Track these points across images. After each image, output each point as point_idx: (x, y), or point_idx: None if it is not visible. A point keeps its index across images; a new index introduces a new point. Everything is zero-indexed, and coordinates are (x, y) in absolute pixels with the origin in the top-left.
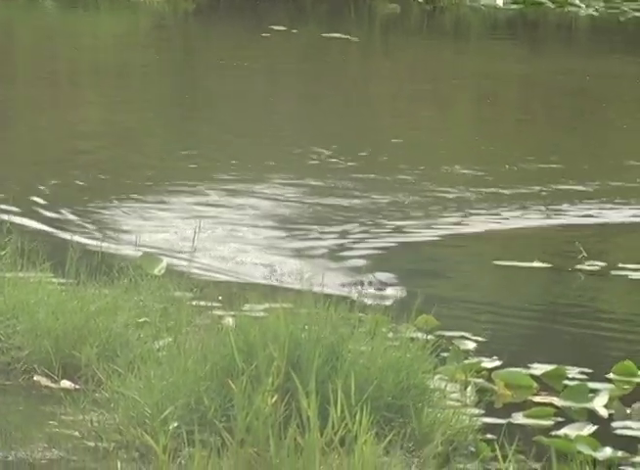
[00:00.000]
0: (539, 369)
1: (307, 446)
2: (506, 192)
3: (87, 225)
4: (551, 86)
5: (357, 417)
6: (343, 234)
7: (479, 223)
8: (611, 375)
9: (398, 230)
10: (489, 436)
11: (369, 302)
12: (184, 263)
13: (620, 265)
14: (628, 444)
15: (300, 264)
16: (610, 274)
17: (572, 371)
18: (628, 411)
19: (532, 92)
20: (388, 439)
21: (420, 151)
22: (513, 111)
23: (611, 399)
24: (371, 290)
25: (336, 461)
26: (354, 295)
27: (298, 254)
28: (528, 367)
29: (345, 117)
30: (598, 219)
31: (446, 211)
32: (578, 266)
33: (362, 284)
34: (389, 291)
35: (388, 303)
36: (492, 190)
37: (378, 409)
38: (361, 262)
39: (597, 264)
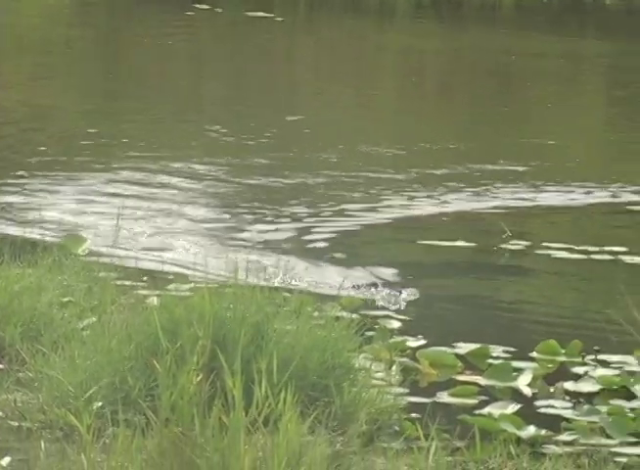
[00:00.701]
0: (464, 348)
1: (232, 426)
2: (433, 173)
3: (6, 205)
4: (475, 65)
5: (282, 396)
6: (274, 217)
7: (411, 204)
8: (534, 354)
9: (333, 212)
10: (414, 415)
11: (385, 305)
12: (108, 243)
13: (545, 244)
14: (552, 422)
15: (228, 246)
16: (534, 253)
17: (497, 350)
18: (552, 390)
19: (457, 71)
20: (311, 418)
21: (340, 129)
22: (437, 90)
23: (534, 378)
24: (385, 292)
25: (260, 440)
26: (369, 297)
27: (224, 234)
28: (453, 346)
29: (266, 95)
30: (523, 200)
31: (378, 192)
32: (503, 246)
33: (376, 286)
34: (405, 294)
35: (403, 305)
36: (421, 171)
37: (302, 388)
38: (296, 248)
39: (521, 244)
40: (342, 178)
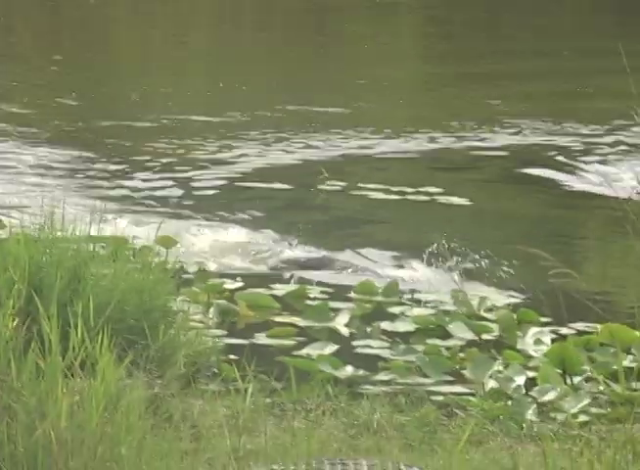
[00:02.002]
0: (281, 289)
1: (49, 370)
2: (260, 114)
3: None
4: (290, 5)
5: (99, 340)
6: (104, 163)
7: (226, 148)
8: (352, 294)
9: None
10: (232, 356)
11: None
12: None
13: (360, 185)
14: (369, 362)
15: (51, 190)
16: (349, 193)
17: (314, 291)
18: (369, 330)
19: (271, 12)
20: (127, 361)
21: (146, 70)
22: (250, 31)
23: (352, 319)
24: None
25: (78, 385)
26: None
27: (47, 178)
28: (270, 288)
29: (75, 36)
30: (341, 144)
31: (205, 137)
32: (320, 187)
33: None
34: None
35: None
36: (239, 114)
37: (120, 332)
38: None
39: (338, 185)
40: (163, 123)
